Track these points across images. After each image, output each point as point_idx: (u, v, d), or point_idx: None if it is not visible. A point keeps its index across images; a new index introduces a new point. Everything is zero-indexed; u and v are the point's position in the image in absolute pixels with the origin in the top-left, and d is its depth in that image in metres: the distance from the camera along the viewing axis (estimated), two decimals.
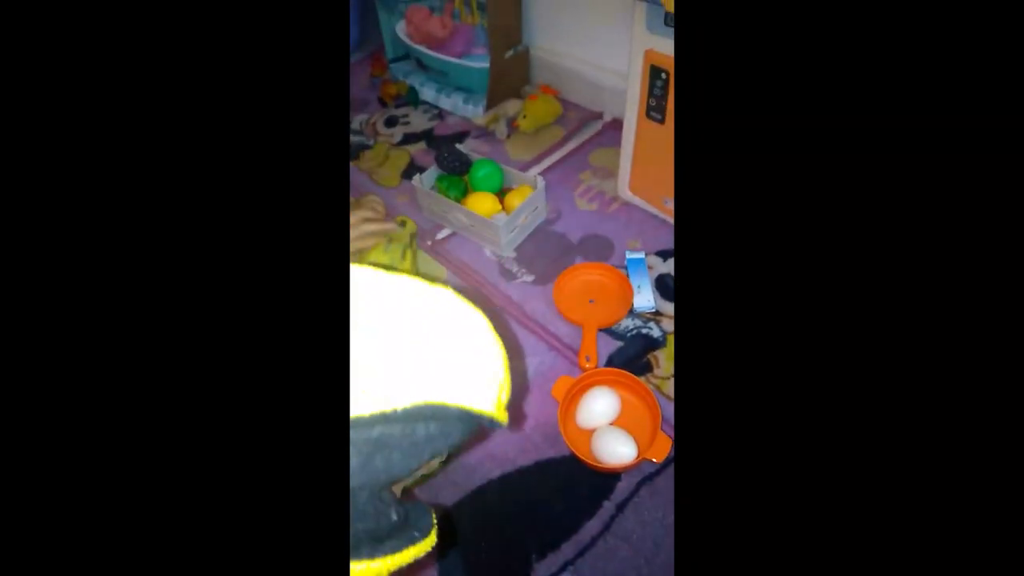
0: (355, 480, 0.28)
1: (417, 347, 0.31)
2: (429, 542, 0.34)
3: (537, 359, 0.77)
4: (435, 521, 0.35)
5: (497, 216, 0.89)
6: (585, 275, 0.85)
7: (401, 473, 0.30)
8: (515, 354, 0.78)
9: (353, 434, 0.28)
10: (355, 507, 0.31)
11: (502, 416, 0.33)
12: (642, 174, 0.91)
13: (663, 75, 0.77)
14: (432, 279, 0.33)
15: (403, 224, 0.87)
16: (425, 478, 0.64)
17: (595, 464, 0.63)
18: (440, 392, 0.31)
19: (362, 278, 0.32)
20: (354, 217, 0.90)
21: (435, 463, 0.64)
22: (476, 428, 0.33)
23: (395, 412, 0.29)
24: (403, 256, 0.83)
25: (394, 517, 0.32)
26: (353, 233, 0.80)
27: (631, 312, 0.80)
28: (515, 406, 0.72)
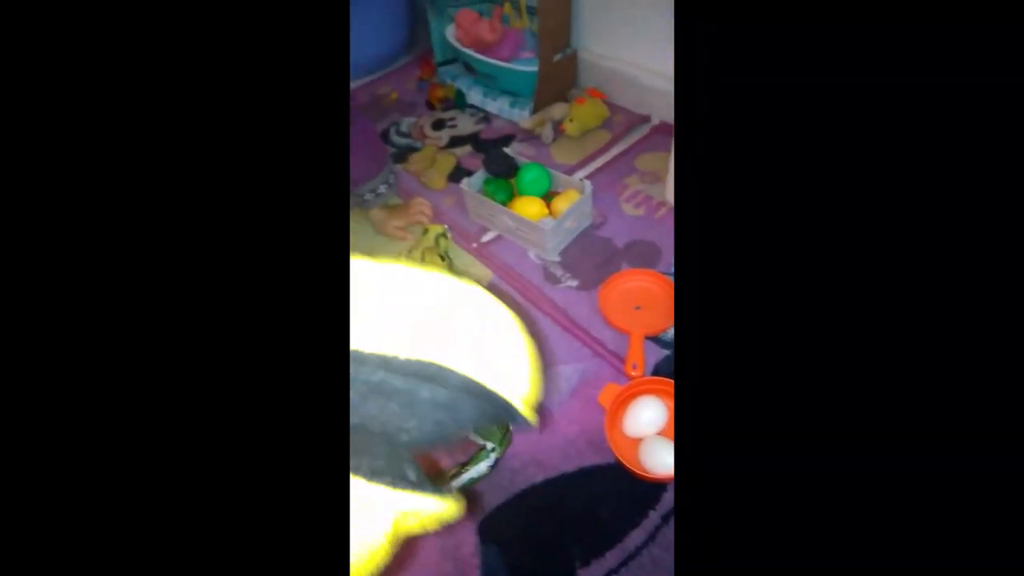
0: (351, 418, 0.28)
1: (440, 332, 0.30)
2: (455, 505, 0.32)
3: (582, 365, 0.77)
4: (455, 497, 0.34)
5: (544, 220, 0.90)
6: (632, 281, 0.84)
7: (396, 429, 0.30)
8: (552, 360, 0.78)
9: (352, 369, 0.28)
10: (369, 448, 0.30)
11: (530, 414, 0.33)
12: None
13: None
14: (472, 279, 0.33)
15: (425, 232, 0.90)
16: (473, 481, 0.65)
17: (641, 473, 0.63)
18: (448, 359, 0.30)
19: (394, 274, 0.32)
20: (392, 223, 0.94)
21: (484, 467, 0.65)
22: (496, 414, 0.32)
23: (396, 359, 0.29)
24: (422, 259, 0.85)
25: (411, 476, 0.32)
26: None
27: None
28: (545, 410, 0.72)
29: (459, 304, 0.32)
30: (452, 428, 0.32)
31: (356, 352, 0.29)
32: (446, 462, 0.68)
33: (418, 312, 0.31)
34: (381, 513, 0.29)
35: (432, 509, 0.30)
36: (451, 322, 0.31)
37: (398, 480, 0.29)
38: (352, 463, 0.28)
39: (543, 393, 0.35)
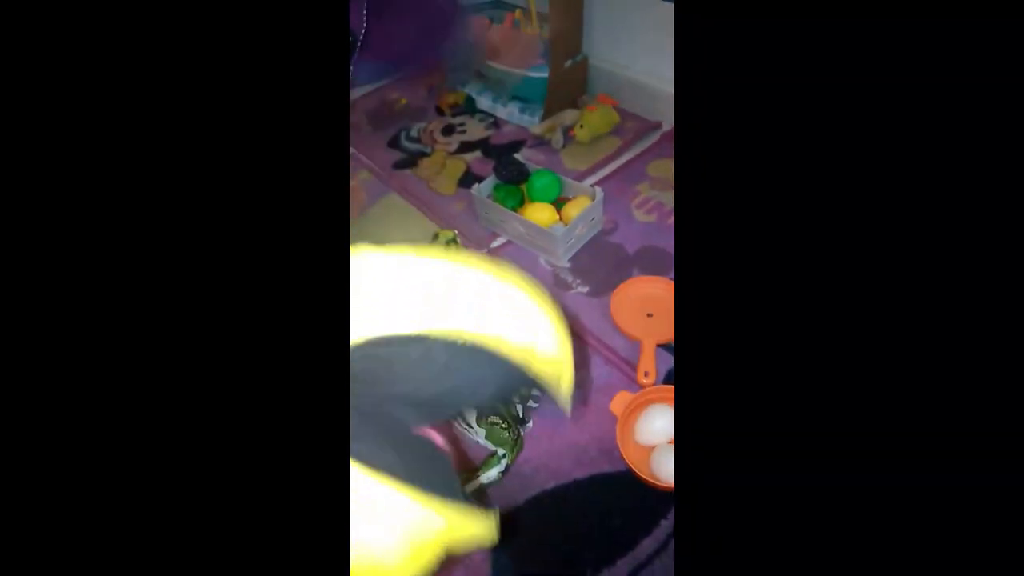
0: (375, 388, 0.30)
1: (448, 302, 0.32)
2: (491, 529, 0.33)
3: (593, 372, 0.77)
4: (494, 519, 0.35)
5: (555, 226, 0.90)
6: (643, 289, 0.84)
7: (415, 390, 0.31)
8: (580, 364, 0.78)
9: (379, 348, 0.30)
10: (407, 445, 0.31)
11: (564, 390, 0.33)
12: None
13: None
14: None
15: (436, 236, 0.89)
16: (485, 487, 0.65)
17: (654, 482, 0.62)
18: (449, 325, 0.31)
19: (431, 269, 0.33)
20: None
21: (495, 473, 0.65)
22: (510, 377, 0.32)
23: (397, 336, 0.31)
24: None
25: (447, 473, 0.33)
26: None
27: None
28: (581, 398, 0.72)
29: (469, 280, 0.33)
30: (461, 390, 0.32)
31: (392, 336, 0.30)
32: (467, 463, 0.68)
33: (431, 285, 0.32)
34: (390, 516, 0.29)
35: (456, 521, 0.31)
36: (461, 295, 0.32)
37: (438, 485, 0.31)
38: (352, 446, 0.29)
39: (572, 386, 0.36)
